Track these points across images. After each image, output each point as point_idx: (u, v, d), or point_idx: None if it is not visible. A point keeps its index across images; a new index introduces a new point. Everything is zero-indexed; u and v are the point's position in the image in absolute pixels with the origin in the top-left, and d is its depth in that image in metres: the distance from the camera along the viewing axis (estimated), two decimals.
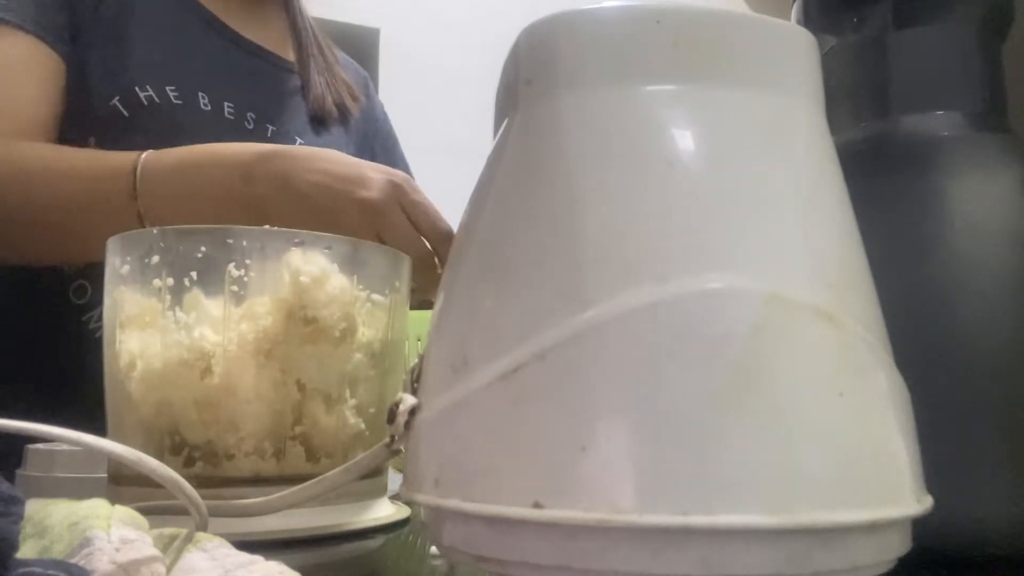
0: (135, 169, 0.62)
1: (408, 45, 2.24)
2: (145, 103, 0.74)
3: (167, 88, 0.75)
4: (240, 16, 0.85)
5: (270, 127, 0.81)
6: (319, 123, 0.87)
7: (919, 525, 0.24)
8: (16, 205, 0.64)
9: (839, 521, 0.21)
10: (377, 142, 0.97)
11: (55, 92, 0.73)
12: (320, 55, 0.90)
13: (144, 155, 0.63)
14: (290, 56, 0.89)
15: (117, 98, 0.74)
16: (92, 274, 0.73)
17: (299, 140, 0.83)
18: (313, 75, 0.88)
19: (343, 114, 0.90)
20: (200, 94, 0.77)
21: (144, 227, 0.60)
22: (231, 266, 0.41)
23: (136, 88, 0.74)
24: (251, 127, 0.80)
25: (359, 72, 1.00)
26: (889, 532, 0.23)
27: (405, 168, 0.99)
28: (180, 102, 0.75)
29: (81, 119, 0.70)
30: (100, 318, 0.72)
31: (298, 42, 0.90)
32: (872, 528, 0.22)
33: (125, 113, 0.73)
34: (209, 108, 0.77)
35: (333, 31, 0.99)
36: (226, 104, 0.78)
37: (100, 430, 0.30)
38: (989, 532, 0.30)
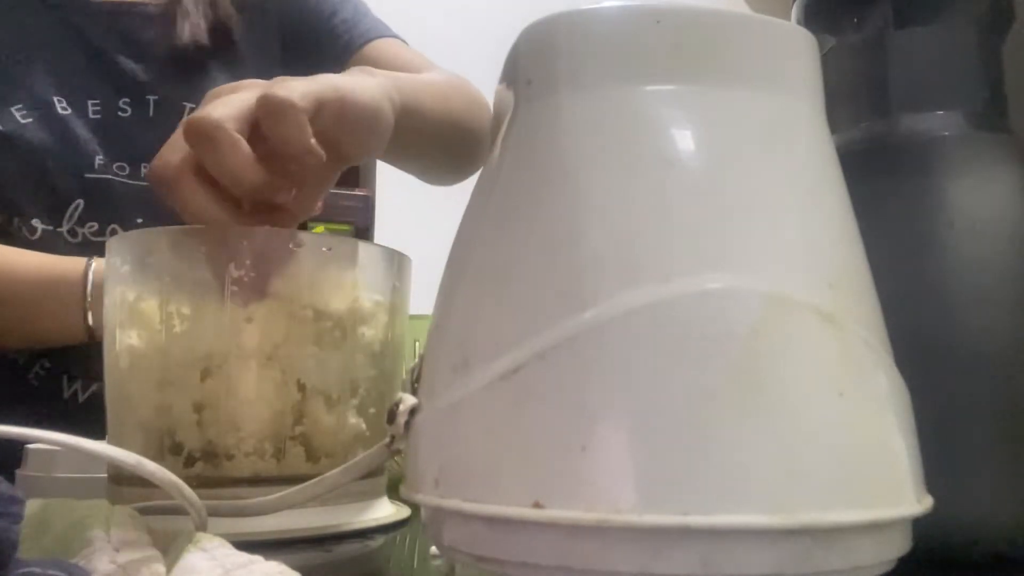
0: (86, 275, 0.62)
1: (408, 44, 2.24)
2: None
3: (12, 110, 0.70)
4: None
5: (151, 98, 0.75)
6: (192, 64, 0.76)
7: (919, 525, 0.24)
8: None
9: (839, 521, 0.21)
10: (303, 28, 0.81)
11: None
12: None
13: (94, 264, 0.63)
14: None
15: None
16: None
17: (189, 107, 0.75)
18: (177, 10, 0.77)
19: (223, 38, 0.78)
20: (56, 99, 0.71)
21: (91, 327, 0.62)
22: (231, 266, 0.41)
23: None
24: (127, 114, 0.74)
25: None
26: (889, 532, 0.23)
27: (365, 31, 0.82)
28: (30, 120, 0.70)
29: None
30: None
31: None
32: (872, 528, 0.22)
33: None
34: (69, 112, 0.72)
35: None
36: (90, 103, 0.73)
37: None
38: (989, 532, 0.30)
